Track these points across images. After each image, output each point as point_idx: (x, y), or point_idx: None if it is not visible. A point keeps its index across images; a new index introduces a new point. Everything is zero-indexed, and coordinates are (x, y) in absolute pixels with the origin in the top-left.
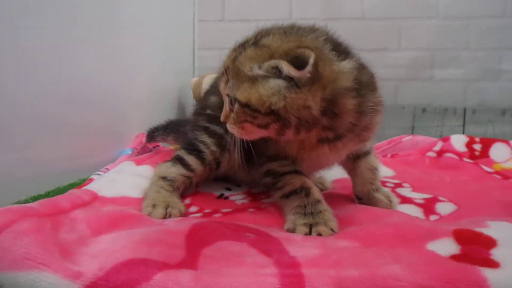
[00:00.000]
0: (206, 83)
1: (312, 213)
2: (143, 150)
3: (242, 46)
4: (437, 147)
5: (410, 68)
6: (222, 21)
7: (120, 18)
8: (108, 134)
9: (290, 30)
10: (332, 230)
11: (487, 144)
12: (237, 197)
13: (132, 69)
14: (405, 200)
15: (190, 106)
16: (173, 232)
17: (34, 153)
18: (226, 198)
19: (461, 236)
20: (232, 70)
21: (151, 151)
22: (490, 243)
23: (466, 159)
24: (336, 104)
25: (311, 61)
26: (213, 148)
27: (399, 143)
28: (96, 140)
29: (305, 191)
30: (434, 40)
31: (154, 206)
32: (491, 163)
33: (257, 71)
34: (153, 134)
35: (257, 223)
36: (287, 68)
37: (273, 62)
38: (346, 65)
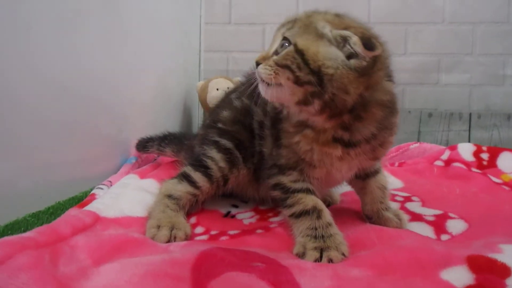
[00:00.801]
0: (213, 87)
1: (323, 236)
2: (147, 158)
3: (322, 12)
4: (445, 156)
5: (416, 73)
6: (229, 24)
7: (126, 21)
8: (112, 140)
9: None
10: (343, 254)
11: (494, 153)
12: (245, 215)
13: (137, 72)
14: (415, 217)
15: (196, 109)
16: (179, 262)
17: (37, 160)
18: (233, 216)
19: (475, 264)
20: (301, 21)
21: (155, 159)
22: (505, 271)
23: (474, 169)
24: (366, 109)
25: (379, 51)
26: (222, 164)
27: (406, 150)
28: (100, 147)
29: (317, 213)
30: (440, 45)
31: (158, 227)
32: (499, 173)
33: (328, 32)
34: (146, 144)
35: (266, 248)
36: (357, 42)
37: (345, 33)
38: (390, 85)
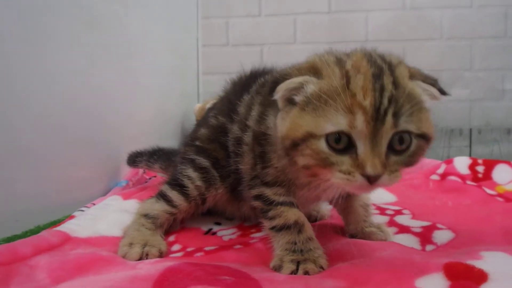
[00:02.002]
0: None
1: (301, 250)
2: (138, 182)
3: (382, 65)
4: (441, 170)
5: None
6: (227, 45)
7: (123, 44)
8: (103, 164)
9: None
10: (321, 267)
11: (490, 165)
12: (226, 232)
13: (134, 96)
14: (402, 229)
15: None
16: (141, 278)
17: (17, 187)
18: (214, 233)
19: (451, 271)
20: (404, 99)
21: (146, 182)
22: (482, 277)
23: (469, 182)
24: None
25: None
26: (198, 183)
27: None
28: (89, 171)
29: (298, 228)
30: (438, 61)
31: (131, 245)
32: (494, 185)
33: (427, 95)
34: (135, 159)
35: (240, 262)
36: (442, 90)
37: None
38: None
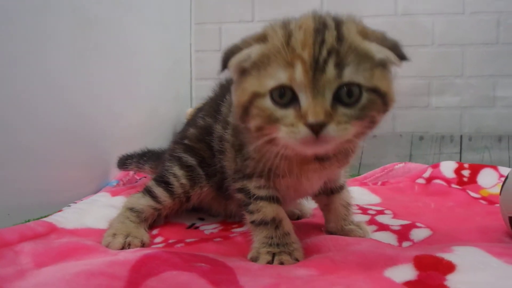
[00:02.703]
0: None
1: (278, 244)
2: (129, 182)
3: (328, 22)
4: (427, 174)
5: (406, 96)
6: (219, 51)
7: (115, 46)
8: (95, 165)
9: None
10: (296, 259)
11: (475, 170)
12: (208, 227)
13: (126, 100)
14: (382, 227)
15: None
16: (119, 263)
17: (10, 184)
18: (197, 228)
19: (421, 262)
20: (348, 52)
21: (137, 182)
22: (449, 268)
23: (454, 185)
24: None
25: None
26: (183, 180)
27: (391, 170)
28: (80, 171)
29: (275, 224)
30: (430, 67)
31: (114, 235)
32: (478, 188)
33: (381, 55)
34: (125, 161)
35: (218, 253)
36: (401, 55)
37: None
38: None
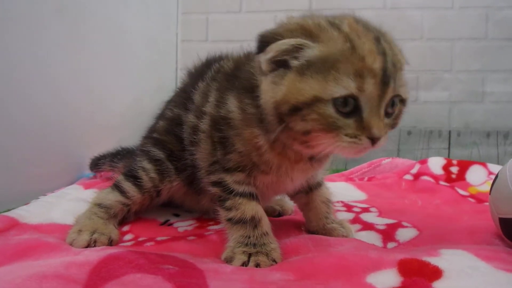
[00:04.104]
0: None
1: (254, 244)
2: (106, 175)
3: (380, 32)
4: (414, 170)
5: None
6: (206, 41)
7: (95, 34)
8: (71, 156)
9: None
10: (274, 260)
11: (464, 166)
12: (183, 224)
13: (107, 91)
14: (366, 226)
15: None
16: (78, 264)
17: None
18: (171, 224)
19: (405, 267)
20: (396, 63)
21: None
22: (435, 274)
23: (442, 182)
24: None
25: None
26: (153, 174)
27: (378, 165)
28: (55, 163)
29: (254, 223)
30: (418, 61)
31: (79, 232)
32: (467, 186)
33: (404, 63)
34: (97, 162)
35: (190, 253)
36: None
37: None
38: None
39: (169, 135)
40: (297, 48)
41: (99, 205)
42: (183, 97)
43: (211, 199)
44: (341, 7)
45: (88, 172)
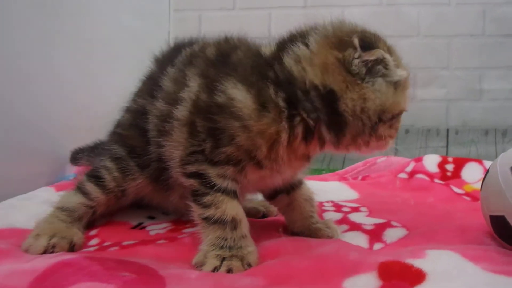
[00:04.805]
0: None
1: (230, 247)
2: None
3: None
4: (409, 168)
5: None
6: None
7: (83, 31)
8: (51, 157)
9: None
10: (249, 265)
11: (459, 164)
12: (156, 227)
13: (91, 89)
14: (354, 226)
15: None
16: (21, 272)
17: None
18: (143, 228)
19: (386, 271)
20: None
21: None
22: (418, 277)
23: (437, 180)
24: None
25: None
26: (115, 173)
27: (374, 164)
28: (33, 164)
29: (233, 225)
30: (415, 59)
31: (37, 236)
32: (462, 183)
33: None
34: (76, 156)
35: (156, 258)
36: None
37: None
38: None
39: (132, 129)
40: (385, 63)
41: (61, 208)
42: (149, 85)
43: (181, 195)
44: (337, 4)
45: (69, 174)
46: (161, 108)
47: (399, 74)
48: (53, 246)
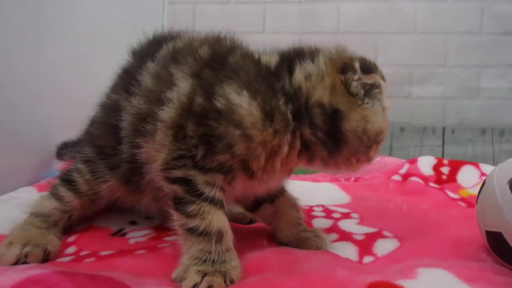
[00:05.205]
0: None
1: (214, 261)
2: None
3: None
4: (403, 170)
5: (387, 85)
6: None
7: (71, 24)
8: (35, 153)
9: None
10: (232, 281)
11: (455, 167)
12: (137, 234)
13: (82, 84)
14: (344, 236)
15: None
16: None
17: None
18: (124, 234)
19: None
20: None
21: None
22: None
23: (432, 184)
24: None
25: None
26: (87, 176)
27: None
28: (16, 160)
29: (218, 237)
30: (411, 56)
31: (9, 245)
32: (457, 188)
33: None
34: (61, 151)
35: (133, 272)
36: None
37: None
38: None
39: (103, 127)
40: (380, 89)
41: (35, 214)
42: (125, 79)
43: (154, 198)
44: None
45: (55, 171)
46: (139, 105)
47: (387, 102)
48: (26, 255)
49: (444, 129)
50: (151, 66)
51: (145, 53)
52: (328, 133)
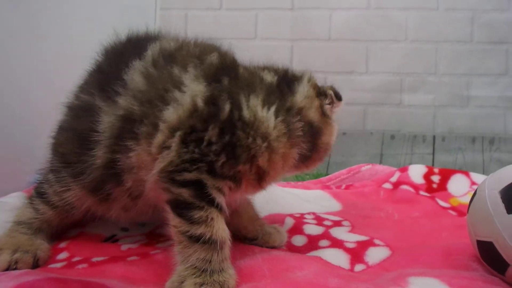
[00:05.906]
0: None
1: (212, 272)
2: None
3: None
4: (394, 178)
5: (378, 92)
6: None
7: (60, 28)
8: (30, 156)
9: None
10: None
11: (446, 175)
12: (129, 240)
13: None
14: (335, 243)
15: None
16: None
17: None
18: (116, 241)
19: None
20: None
21: None
22: None
23: (422, 192)
24: None
25: None
26: (56, 186)
27: (358, 172)
28: (8, 164)
29: (221, 246)
30: (402, 64)
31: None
32: (448, 197)
33: None
34: None
35: (125, 279)
36: None
37: None
38: None
39: (67, 132)
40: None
41: (18, 222)
42: (98, 79)
43: (123, 207)
44: (324, 7)
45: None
46: (130, 106)
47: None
48: (16, 262)
49: (434, 137)
50: (139, 64)
51: (120, 52)
52: (311, 145)
